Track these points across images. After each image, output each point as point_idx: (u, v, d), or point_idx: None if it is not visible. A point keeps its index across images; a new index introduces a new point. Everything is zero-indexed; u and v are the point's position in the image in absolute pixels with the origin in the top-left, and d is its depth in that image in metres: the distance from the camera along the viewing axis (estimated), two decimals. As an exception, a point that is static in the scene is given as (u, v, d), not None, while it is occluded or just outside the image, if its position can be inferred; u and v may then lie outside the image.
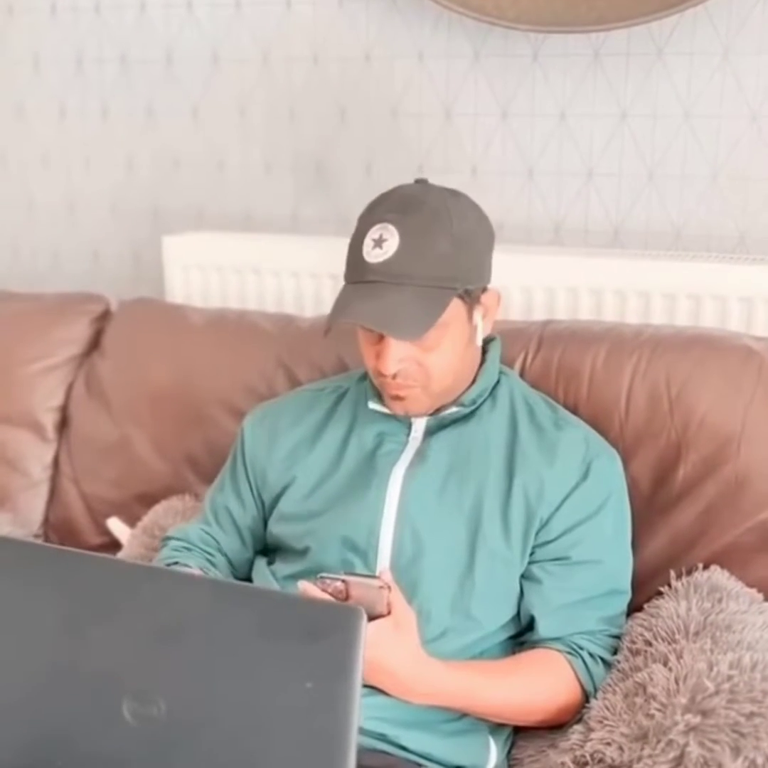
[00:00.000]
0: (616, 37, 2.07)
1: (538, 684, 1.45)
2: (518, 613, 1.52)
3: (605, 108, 2.12)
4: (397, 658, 1.31)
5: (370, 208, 1.50)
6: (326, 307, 2.07)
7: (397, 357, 1.46)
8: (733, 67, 2.01)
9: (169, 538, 1.68)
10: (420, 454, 1.55)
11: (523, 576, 1.51)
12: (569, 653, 1.47)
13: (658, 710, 1.31)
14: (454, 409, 1.56)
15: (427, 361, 1.48)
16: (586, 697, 1.46)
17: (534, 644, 1.50)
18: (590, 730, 1.37)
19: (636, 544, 1.61)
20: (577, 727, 1.40)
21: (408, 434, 1.57)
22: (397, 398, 1.52)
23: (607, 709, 1.39)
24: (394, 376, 1.48)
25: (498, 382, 1.61)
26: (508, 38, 2.13)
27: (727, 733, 1.26)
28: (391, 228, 1.44)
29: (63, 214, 2.65)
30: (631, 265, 1.99)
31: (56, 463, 2.16)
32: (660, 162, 2.10)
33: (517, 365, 1.76)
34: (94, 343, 2.18)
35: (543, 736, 1.50)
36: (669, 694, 1.33)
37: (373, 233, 1.45)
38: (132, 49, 2.48)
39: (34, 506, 2.15)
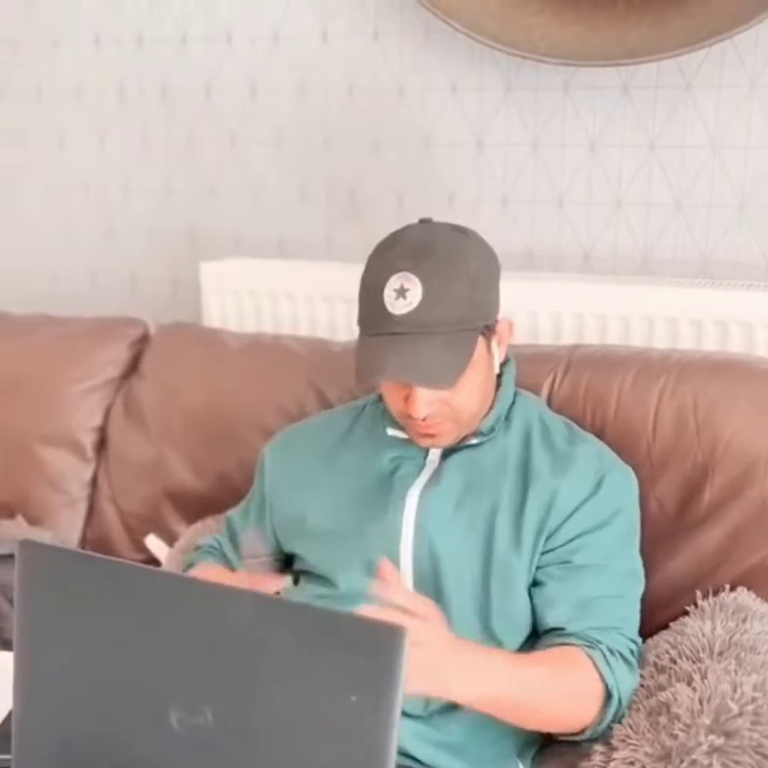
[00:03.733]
0: (646, 71, 2.11)
1: (562, 675, 1.43)
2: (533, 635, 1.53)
3: (634, 139, 2.16)
4: (434, 646, 1.29)
5: (379, 254, 1.51)
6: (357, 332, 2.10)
7: (427, 400, 1.47)
8: (759, 100, 2.05)
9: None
10: (436, 476, 1.56)
11: (531, 585, 1.52)
12: (587, 646, 1.45)
13: (682, 730, 1.32)
14: (473, 441, 1.58)
15: (455, 399, 1.49)
16: (609, 694, 1.44)
17: (550, 646, 1.49)
18: (613, 749, 1.39)
19: (662, 564, 1.64)
20: (599, 748, 1.41)
21: (425, 457, 1.59)
22: (428, 436, 1.54)
23: (631, 727, 1.40)
24: (424, 418, 1.50)
25: (513, 403, 1.62)
26: (540, 71, 2.18)
27: (750, 754, 1.28)
28: (412, 277, 1.44)
29: (102, 240, 2.71)
30: (659, 292, 2.02)
31: (94, 481, 2.21)
32: (688, 191, 2.14)
33: (546, 388, 1.79)
34: (133, 366, 2.24)
35: (564, 755, 1.51)
36: (693, 714, 1.34)
37: (394, 283, 1.45)
38: (172, 81, 2.55)
39: (73, 524, 2.20)
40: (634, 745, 1.37)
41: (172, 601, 1.05)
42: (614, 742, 1.39)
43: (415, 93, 2.31)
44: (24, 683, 1.08)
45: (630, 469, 1.61)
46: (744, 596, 1.61)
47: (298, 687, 0.99)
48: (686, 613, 1.63)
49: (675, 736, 1.32)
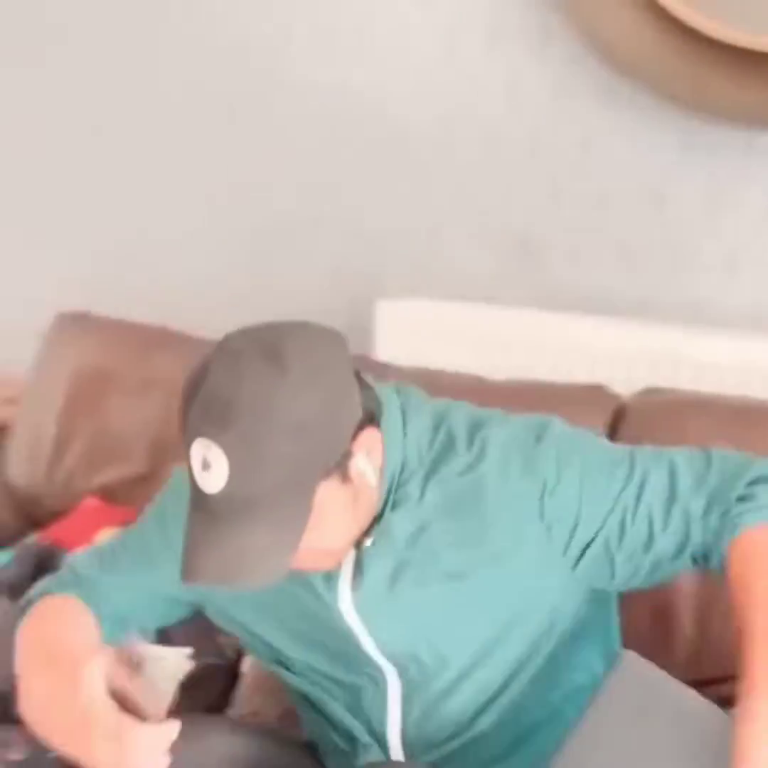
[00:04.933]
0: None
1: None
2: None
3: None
4: None
5: (185, 401, 1.27)
6: (524, 375, 2.16)
7: None
8: None
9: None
10: (358, 567, 1.38)
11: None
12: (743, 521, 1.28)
13: None
14: (368, 541, 1.37)
15: (315, 540, 1.27)
16: None
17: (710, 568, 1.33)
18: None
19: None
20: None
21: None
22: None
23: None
24: None
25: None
26: (720, 132, 2.21)
27: None
28: (214, 448, 1.22)
29: (287, 269, 2.83)
30: None
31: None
32: None
33: None
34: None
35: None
36: None
37: (197, 452, 1.24)
38: (370, 133, 2.65)
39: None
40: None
41: None
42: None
43: (597, 148, 2.37)
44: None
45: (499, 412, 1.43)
46: None
47: None
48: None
49: None
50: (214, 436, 1.22)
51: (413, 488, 1.36)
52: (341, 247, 2.73)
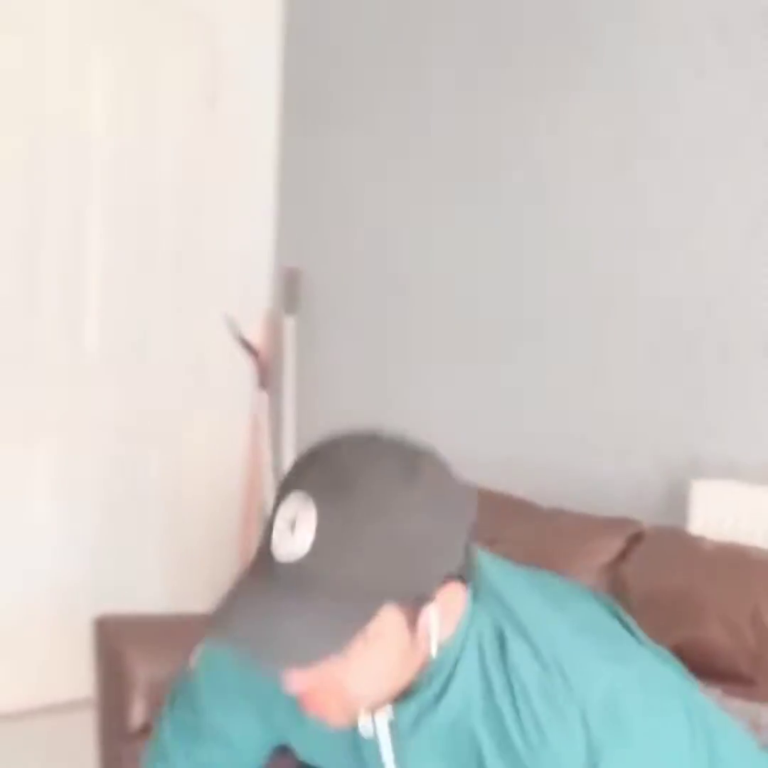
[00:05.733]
0: None
1: None
2: None
3: None
4: None
5: (306, 452, 1.22)
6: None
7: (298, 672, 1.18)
8: None
9: None
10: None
11: None
12: None
13: None
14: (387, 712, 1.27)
15: (342, 677, 1.19)
16: None
17: None
18: None
19: None
20: None
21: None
22: (316, 714, 1.25)
23: None
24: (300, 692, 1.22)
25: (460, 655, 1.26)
26: None
27: None
28: (311, 510, 1.15)
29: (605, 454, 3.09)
30: None
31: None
32: None
33: None
34: (622, 556, 2.55)
35: None
36: None
37: (289, 506, 1.16)
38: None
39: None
40: None
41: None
42: None
43: None
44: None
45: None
46: None
47: None
48: None
49: None
50: (318, 497, 1.15)
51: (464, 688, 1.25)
52: (663, 431, 2.95)
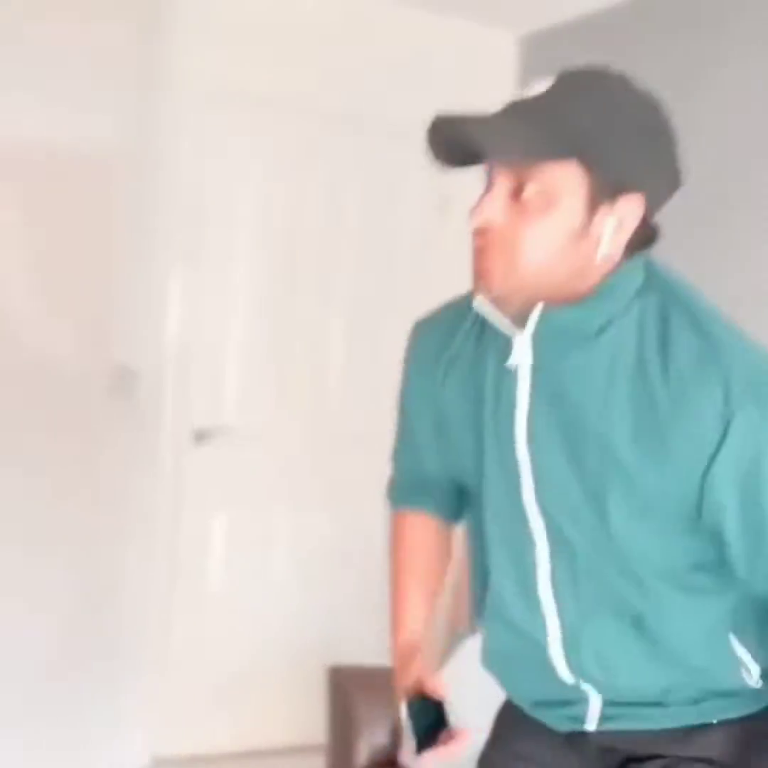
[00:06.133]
0: None
1: None
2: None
3: None
4: None
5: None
6: None
7: (491, 203, 1.33)
8: None
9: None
10: (532, 397, 1.42)
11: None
12: None
13: None
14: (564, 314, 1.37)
15: (518, 228, 1.32)
16: None
17: None
18: None
19: None
20: None
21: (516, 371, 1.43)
22: (479, 275, 1.37)
23: None
24: (481, 232, 1.35)
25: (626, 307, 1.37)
26: None
27: None
28: (552, 77, 1.35)
29: None
30: None
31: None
32: None
33: None
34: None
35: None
36: None
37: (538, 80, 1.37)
38: None
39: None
40: None
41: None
42: None
43: None
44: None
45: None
46: None
47: None
48: None
49: None
50: (561, 72, 1.35)
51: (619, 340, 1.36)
52: None
